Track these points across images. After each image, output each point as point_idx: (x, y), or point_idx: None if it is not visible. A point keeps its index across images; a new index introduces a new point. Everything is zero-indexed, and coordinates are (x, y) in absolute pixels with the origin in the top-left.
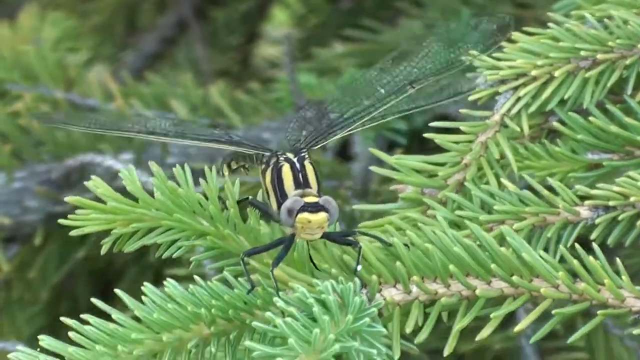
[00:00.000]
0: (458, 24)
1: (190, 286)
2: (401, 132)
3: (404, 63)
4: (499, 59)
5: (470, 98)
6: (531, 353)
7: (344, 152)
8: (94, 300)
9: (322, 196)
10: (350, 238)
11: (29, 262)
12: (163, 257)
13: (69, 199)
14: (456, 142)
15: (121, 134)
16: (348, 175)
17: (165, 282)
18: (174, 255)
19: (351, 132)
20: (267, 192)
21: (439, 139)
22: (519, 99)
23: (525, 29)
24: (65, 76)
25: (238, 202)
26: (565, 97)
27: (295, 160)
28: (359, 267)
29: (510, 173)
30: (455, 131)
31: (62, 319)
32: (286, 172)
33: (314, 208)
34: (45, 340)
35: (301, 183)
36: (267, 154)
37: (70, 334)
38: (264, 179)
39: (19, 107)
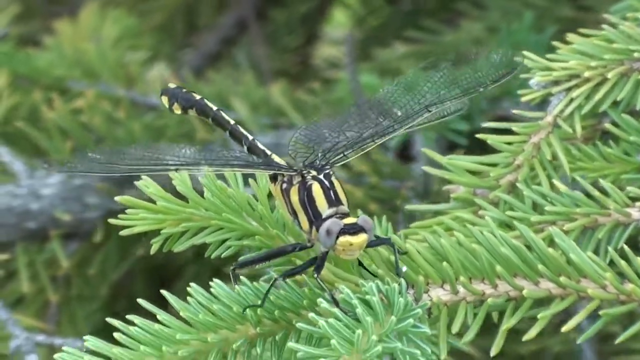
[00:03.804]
0: (519, 26)
1: (237, 286)
2: (462, 133)
3: (417, 88)
4: (552, 60)
5: (524, 99)
6: (591, 355)
7: (405, 152)
8: (139, 300)
9: (357, 215)
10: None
11: (88, 259)
12: (212, 256)
13: (120, 198)
14: (509, 143)
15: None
16: (409, 175)
17: (211, 283)
18: (223, 255)
19: (368, 150)
20: (295, 212)
21: (491, 139)
22: (571, 100)
23: (580, 30)
24: (126, 74)
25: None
26: (618, 98)
27: (322, 177)
28: (404, 269)
29: (562, 174)
30: (509, 132)
31: (107, 319)
32: (317, 190)
33: (354, 230)
34: (90, 340)
35: (333, 200)
36: (291, 172)
37: (116, 334)
38: (289, 199)
39: (80, 104)
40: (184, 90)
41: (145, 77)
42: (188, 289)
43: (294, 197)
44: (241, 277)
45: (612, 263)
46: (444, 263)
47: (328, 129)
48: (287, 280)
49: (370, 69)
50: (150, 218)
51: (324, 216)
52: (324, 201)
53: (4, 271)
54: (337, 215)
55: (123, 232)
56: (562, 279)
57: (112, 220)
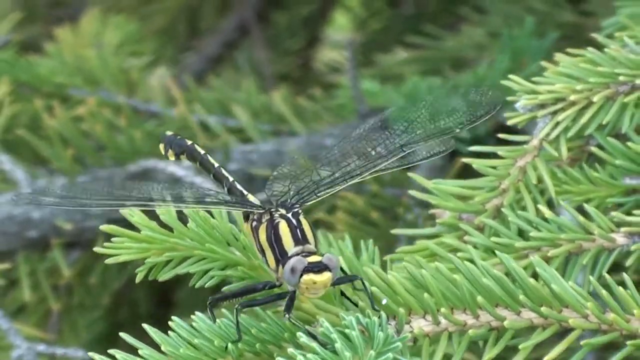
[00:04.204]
0: (521, 32)
1: (218, 320)
2: (464, 141)
3: (394, 126)
4: (537, 83)
5: (510, 122)
6: None
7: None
8: (123, 335)
9: (322, 253)
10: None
11: (89, 268)
12: (196, 286)
13: (104, 227)
14: (494, 167)
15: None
16: (410, 183)
17: (193, 317)
18: (207, 285)
19: (340, 190)
20: (263, 250)
21: (476, 164)
22: (557, 123)
23: (568, 50)
24: (127, 80)
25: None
26: (604, 122)
27: (290, 215)
28: (384, 301)
29: (549, 197)
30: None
31: (89, 354)
32: (283, 228)
33: (318, 268)
34: None
35: (300, 239)
36: (260, 210)
37: None
38: (257, 236)
39: (81, 112)
40: (178, 137)
41: (146, 83)
42: (170, 322)
43: (262, 235)
44: (223, 310)
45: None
46: (425, 294)
47: (304, 167)
48: (268, 312)
49: (371, 75)
50: (135, 247)
51: (289, 254)
52: (290, 240)
53: (6, 280)
54: (303, 254)
55: (108, 261)
56: (544, 309)
57: (97, 249)
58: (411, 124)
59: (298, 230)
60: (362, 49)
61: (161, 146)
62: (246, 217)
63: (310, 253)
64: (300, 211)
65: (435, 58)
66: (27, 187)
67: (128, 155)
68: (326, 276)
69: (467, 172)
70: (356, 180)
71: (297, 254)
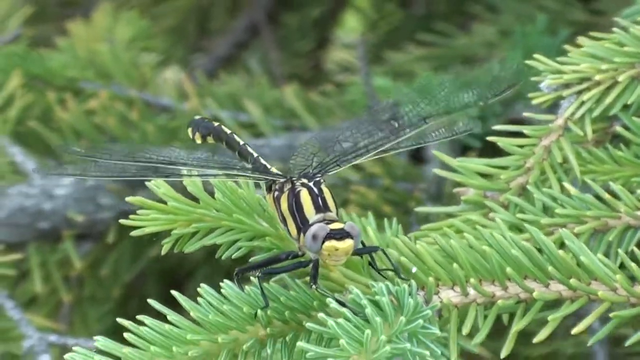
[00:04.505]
0: (533, 29)
1: (247, 287)
2: (475, 136)
3: (417, 101)
4: (563, 63)
5: (534, 102)
6: (603, 358)
7: (417, 154)
8: (150, 300)
9: (344, 221)
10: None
11: (101, 260)
12: (223, 257)
13: (131, 199)
14: (520, 146)
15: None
16: (422, 177)
17: (221, 284)
18: (234, 256)
19: (363, 160)
20: (285, 219)
21: (502, 142)
22: (582, 103)
23: (591, 33)
24: (139, 75)
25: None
26: (629, 102)
27: (311, 184)
28: (414, 269)
29: (573, 177)
30: (520, 135)
31: (118, 320)
32: (305, 196)
33: (340, 235)
34: (100, 340)
35: (321, 207)
36: (281, 180)
37: (126, 334)
38: (279, 206)
39: (93, 105)
40: (206, 119)
41: (158, 79)
42: (198, 289)
43: (284, 204)
44: (252, 277)
45: (622, 266)
46: (454, 265)
47: (326, 139)
48: (297, 281)
49: (383, 72)
50: (162, 219)
51: (310, 222)
52: (312, 207)
53: (17, 271)
54: (325, 221)
55: (134, 233)
56: (573, 281)
57: (123, 221)
58: (434, 97)
59: (319, 199)
60: (373, 48)
61: (189, 130)
62: (269, 188)
63: (332, 220)
64: (322, 180)
65: (446, 56)
66: (39, 179)
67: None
68: (348, 243)
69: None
70: (379, 150)
71: (319, 221)
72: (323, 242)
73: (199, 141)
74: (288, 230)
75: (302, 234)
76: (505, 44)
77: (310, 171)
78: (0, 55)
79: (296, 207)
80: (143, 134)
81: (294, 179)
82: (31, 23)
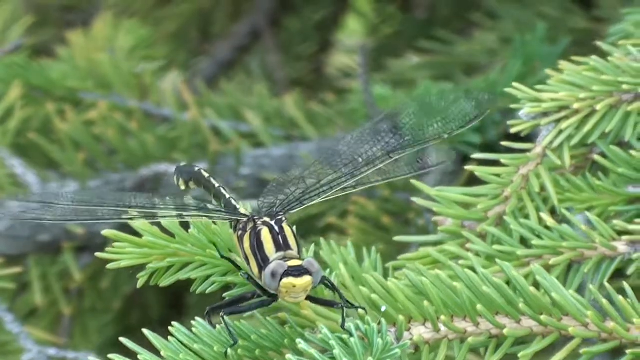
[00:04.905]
0: (532, 37)
1: (218, 326)
2: (474, 145)
3: (382, 133)
4: (541, 91)
5: (513, 130)
6: None
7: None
8: (122, 339)
9: (304, 258)
10: (333, 300)
11: (101, 272)
12: (197, 291)
13: (106, 232)
14: (497, 175)
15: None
16: (421, 191)
17: (193, 322)
18: (208, 291)
19: (327, 198)
20: (247, 258)
21: (479, 171)
22: (560, 131)
23: (572, 58)
24: (140, 85)
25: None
26: (607, 130)
27: (273, 223)
28: (384, 308)
29: (552, 205)
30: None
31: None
32: (265, 235)
33: (298, 272)
34: None
35: (281, 245)
36: (244, 219)
37: None
38: (242, 245)
39: (93, 116)
40: (187, 166)
41: (158, 87)
42: (170, 328)
43: (246, 243)
44: (224, 316)
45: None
46: (425, 302)
47: (292, 177)
48: (268, 318)
49: (383, 80)
50: (137, 252)
51: (270, 260)
52: (272, 245)
53: (17, 284)
54: (284, 259)
55: (110, 266)
56: (544, 317)
57: (99, 254)
58: (399, 130)
59: (280, 237)
60: (373, 53)
61: (174, 177)
62: (234, 227)
63: (291, 258)
64: (283, 218)
65: (447, 63)
66: (38, 190)
67: (140, 160)
68: (306, 280)
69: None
70: (341, 187)
71: (278, 259)
72: (281, 279)
73: (182, 187)
74: (251, 269)
75: (262, 272)
76: (506, 51)
77: (274, 209)
78: (1, 66)
79: (257, 245)
80: (142, 145)
81: (255, 217)
82: (32, 30)
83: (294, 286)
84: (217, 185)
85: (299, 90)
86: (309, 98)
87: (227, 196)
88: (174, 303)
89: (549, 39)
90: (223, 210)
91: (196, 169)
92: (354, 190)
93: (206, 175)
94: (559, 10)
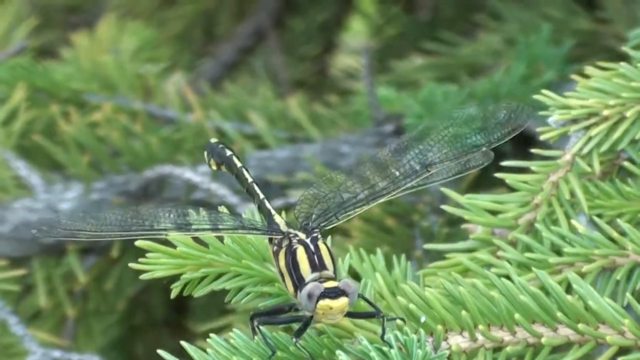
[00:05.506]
0: (537, 39)
1: (256, 337)
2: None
3: (419, 145)
4: (570, 98)
5: (542, 137)
6: None
7: None
8: (160, 352)
9: (340, 279)
10: (372, 311)
11: (105, 274)
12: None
13: (140, 243)
14: (526, 182)
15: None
16: (425, 190)
17: (230, 334)
18: (242, 302)
19: (363, 211)
20: (282, 275)
21: (510, 179)
22: (590, 138)
23: (599, 63)
24: (144, 86)
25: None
26: (637, 137)
27: (308, 241)
28: (423, 319)
29: (581, 212)
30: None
31: None
32: (301, 255)
33: (335, 293)
34: None
35: (317, 265)
36: (279, 236)
37: None
38: (278, 262)
39: (97, 118)
40: (220, 145)
41: (163, 89)
42: (208, 340)
43: (282, 261)
44: (261, 327)
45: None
46: (463, 311)
47: (327, 189)
48: (307, 330)
49: (387, 82)
50: (170, 263)
51: (306, 281)
52: (308, 266)
53: (21, 286)
54: (320, 280)
55: (143, 277)
56: (581, 325)
57: (132, 265)
58: (437, 143)
59: (315, 256)
60: (378, 55)
61: (205, 153)
62: (270, 240)
63: (328, 279)
64: (319, 236)
65: (451, 65)
66: (43, 193)
67: (144, 161)
68: (342, 301)
69: (480, 184)
70: (380, 201)
71: (314, 280)
72: (317, 301)
73: (214, 167)
74: (286, 286)
75: (298, 292)
76: (510, 52)
77: (310, 224)
78: (5, 68)
79: (292, 265)
80: (147, 146)
81: (291, 235)
82: (36, 31)
83: (331, 308)
84: (250, 180)
85: (302, 91)
86: (313, 99)
87: (261, 196)
88: (178, 305)
89: (553, 40)
90: (258, 227)
91: (228, 153)
92: (388, 199)
93: (238, 164)
94: (563, 12)
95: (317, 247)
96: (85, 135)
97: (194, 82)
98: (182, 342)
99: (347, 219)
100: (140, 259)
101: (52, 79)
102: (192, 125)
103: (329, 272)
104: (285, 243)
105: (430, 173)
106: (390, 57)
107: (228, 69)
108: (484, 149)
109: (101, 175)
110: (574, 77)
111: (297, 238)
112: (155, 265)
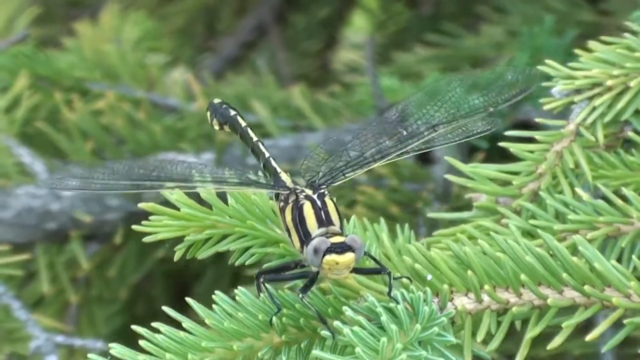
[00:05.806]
0: (540, 30)
1: (261, 295)
2: (483, 136)
3: (427, 106)
4: (574, 69)
5: (546, 107)
6: (611, 358)
7: (425, 155)
8: (165, 308)
9: (346, 234)
10: (378, 267)
11: (108, 261)
12: (236, 263)
13: (143, 205)
14: (531, 152)
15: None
16: (429, 178)
17: (235, 291)
18: (247, 262)
19: (369, 169)
20: (289, 230)
21: (514, 148)
22: (594, 108)
23: (602, 38)
24: (146, 76)
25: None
26: None
27: (315, 197)
28: (429, 277)
29: (585, 182)
30: (531, 140)
31: (133, 327)
32: (307, 210)
33: (341, 249)
34: (115, 348)
35: (324, 220)
36: (285, 192)
37: (141, 342)
38: (284, 217)
39: (100, 106)
40: (224, 106)
41: (165, 80)
42: (213, 296)
43: (288, 216)
44: (266, 284)
45: (635, 271)
46: (469, 272)
47: (335, 147)
48: (312, 288)
49: (390, 73)
50: (174, 225)
51: (312, 235)
52: (314, 221)
53: (25, 272)
54: (326, 235)
55: (146, 239)
56: (587, 288)
57: (135, 227)
58: (443, 103)
59: (322, 212)
60: (380, 49)
61: (207, 114)
62: (276, 196)
63: (334, 234)
64: (326, 192)
65: (454, 57)
66: (46, 179)
67: (147, 149)
68: (349, 257)
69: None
70: (386, 160)
71: (321, 235)
72: (323, 256)
73: (217, 127)
74: (292, 242)
75: (304, 247)
76: (513, 44)
77: (317, 181)
78: (8, 56)
79: (299, 220)
80: (150, 135)
81: (297, 190)
82: (38, 23)
83: (337, 263)
84: (255, 139)
85: (304, 86)
86: (316, 93)
87: (267, 155)
88: (181, 295)
89: (556, 32)
90: (264, 182)
91: (232, 113)
92: (395, 159)
93: (243, 123)
94: (566, 4)
95: (324, 202)
96: (88, 122)
97: (195, 76)
98: (187, 299)
99: (353, 175)
100: (143, 222)
101: (55, 67)
102: (195, 113)
103: (336, 227)
104: (292, 199)
105: (437, 133)
106: (393, 49)
107: (229, 64)
108: (491, 109)
109: (104, 162)
110: (578, 51)
111: (304, 194)
112: (158, 227)
